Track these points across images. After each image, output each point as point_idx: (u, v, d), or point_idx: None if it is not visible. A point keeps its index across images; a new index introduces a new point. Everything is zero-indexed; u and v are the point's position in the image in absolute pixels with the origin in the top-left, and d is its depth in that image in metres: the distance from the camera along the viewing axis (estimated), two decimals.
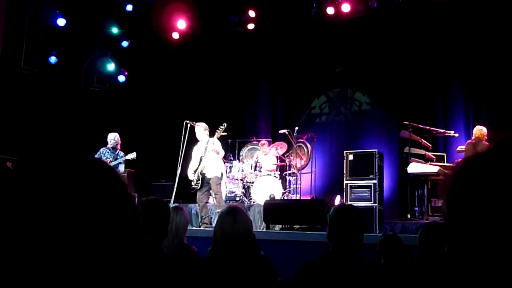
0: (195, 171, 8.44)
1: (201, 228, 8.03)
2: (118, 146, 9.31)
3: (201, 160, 8.39)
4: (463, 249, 0.75)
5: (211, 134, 8.64)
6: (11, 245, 0.73)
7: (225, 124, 8.56)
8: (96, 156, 9.02)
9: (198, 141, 8.67)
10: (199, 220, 8.62)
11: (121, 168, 9.19)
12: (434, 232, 2.87)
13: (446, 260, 2.51)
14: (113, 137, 9.29)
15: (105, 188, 0.80)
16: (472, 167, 0.77)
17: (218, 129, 8.53)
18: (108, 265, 0.77)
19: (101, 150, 9.25)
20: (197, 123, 8.66)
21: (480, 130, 8.62)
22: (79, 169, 0.80)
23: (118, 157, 9.16)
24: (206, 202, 8.56)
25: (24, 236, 0.74)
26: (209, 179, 8.39)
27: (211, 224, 8.07)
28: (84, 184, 0.79)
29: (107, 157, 9.11)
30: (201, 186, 8.39)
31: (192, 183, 8.48)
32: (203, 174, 8.38)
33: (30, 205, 0.75)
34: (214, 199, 8.85)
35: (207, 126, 8.64)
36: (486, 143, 8.44)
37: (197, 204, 9.11)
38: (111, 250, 0.78)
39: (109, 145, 9.26)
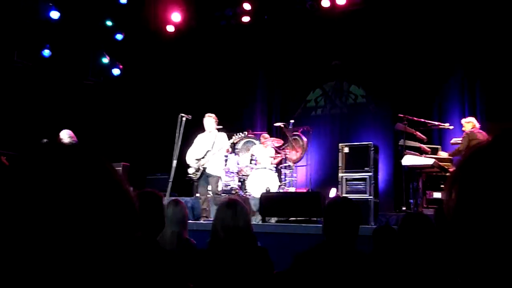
0: (197, 160, 8.34)
1: (202, 221, 8.04)
2: (74, 139, 9.33)
3: (206, 153, 8.32)
4: (471, 243, 0.74)
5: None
6: (7, 242, 0.72)
7: (246, 133, 8.71)
8: None
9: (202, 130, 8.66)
10: (197, 212, 8.63)
11: None
12: (412, 224, 2.89)
13: (446, 252, 2.52)
14: (66, 135, 9.31)
15: (102, 183, 0.79)
16: (481, 157, 0.77)
17: (237, 135, 8.47)
18: (106, 261, 0.76)
19: None
20: (208, 115, 8.62)
21: (468, 122, 8.64)
22: (76, 165, 0.79)
23: None
24: (207, 195, 8.49)
25: (20, 232, 0.72)
26: (210, 175, 8.35)
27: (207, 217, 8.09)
28: (82, 179, 0.78)
29: None
30: (200, 178, 8.34)
31: (189, 171, 8.40)
32: (204, 168, 8.32)
33: (28, 201, 0.74)
34: (213, 198, 8.49)
35: (216, 118, 8.63)
36: (480, 131, 8.45)
37: (192, 198, 9.11)
38: (109, 246, 0.77)
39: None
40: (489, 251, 0.72)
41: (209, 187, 8.51)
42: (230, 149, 8.58)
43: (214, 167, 8.39)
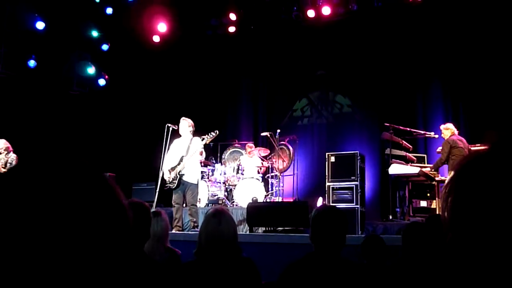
0: (172, 169, 8.07)
1: (174, 231, 7.91)
2: (10, 149, 9.26)
3: (181, 159, 8.06)
4: (467, 250, 0.74)
5: (196, 135, 8.37)
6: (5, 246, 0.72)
7: (217, 132, 8.25)
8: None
9: (179, 136, 8.38)
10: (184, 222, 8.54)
11: None
12: (416, 232, 2.90)
13: (444, 260, 2.53)
14: (1, 145, 9.25)
15: (99, 195, 0.80)
16: (478, 165, 0.77)
17: (209, 135, 8.22)
18: (98, 268, 0.76)
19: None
20: (183, 118, 8.37)
21: (446, 129, 8.65)
22: (75, 176, 0.80)
23: (10, 159, 9.11)
24: (182, 204, 8.18)
25: (19, 239, 0.72)
26: (186, 182, 8.06)
27: (184, 228, 7.97)
28: (80, 191, 0.78)
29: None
30: (177, 187, 8.03)
31: (167, 180, 8.11)
32: (180, 175, 8.03)
33: (28, 208, 0.74)
34: (188, 209, 8.22)
35: (192, 123, 8.31)
36: (460, 138, 8.48)
37: None
38: (103, 255, 0.77)
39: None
40: (486, 260, 0.72)
41: (187, 197, 8.13)
42: (203, 152, 8.26)
43: (190, 174, 8.07)
